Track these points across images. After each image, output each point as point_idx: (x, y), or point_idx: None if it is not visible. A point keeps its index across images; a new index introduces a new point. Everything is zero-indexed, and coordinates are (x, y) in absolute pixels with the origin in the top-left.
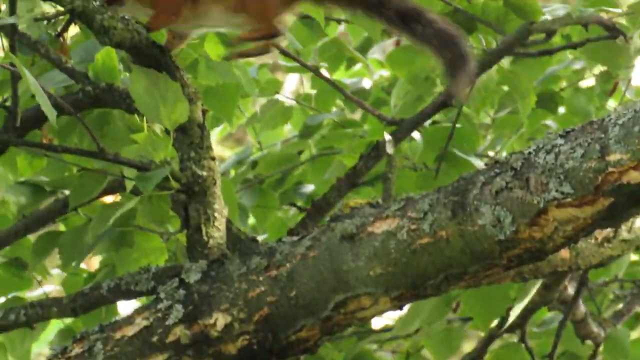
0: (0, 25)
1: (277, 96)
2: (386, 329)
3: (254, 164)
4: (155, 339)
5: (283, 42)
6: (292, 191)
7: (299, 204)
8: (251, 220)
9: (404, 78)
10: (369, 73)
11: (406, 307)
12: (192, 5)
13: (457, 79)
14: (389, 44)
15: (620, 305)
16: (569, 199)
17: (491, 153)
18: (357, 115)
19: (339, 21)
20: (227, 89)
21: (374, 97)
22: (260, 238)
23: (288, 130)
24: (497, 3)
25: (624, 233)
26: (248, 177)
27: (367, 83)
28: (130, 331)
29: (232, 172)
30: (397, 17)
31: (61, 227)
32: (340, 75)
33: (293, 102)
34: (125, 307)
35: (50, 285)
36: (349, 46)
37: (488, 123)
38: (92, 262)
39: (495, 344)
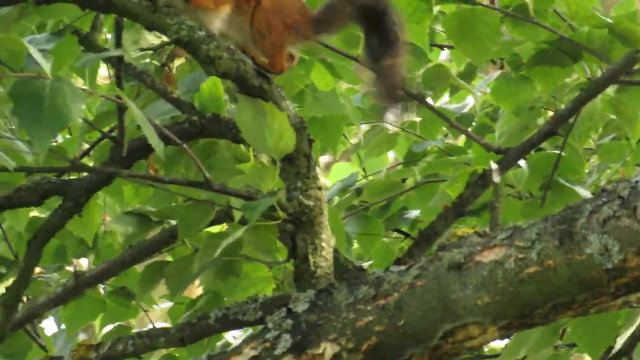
0: (106, 57)
1: (381, 123)
2: (493, 355)
3: (359, 191)
4: None
5: None
6: (397, 216)
7: (404, 229)
8: (356, 246)
9: (508, 110)
10: (474, 98)
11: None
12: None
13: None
14: (493, 75)
15: None
16: None
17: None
18: (462, 138)
19: (442, 47)
20: (333, 119)
21: (478, 122)
22: (365, 264)
23: (393, 156)
24: (602, 31)
25: None
26: (353, 205)
27: (470, 104)
28: None
29: (337, 199)
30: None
31: (168, 257)
32: (444, 100)
33: (397, 129)
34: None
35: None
36: (452, 72)
37: (592, 149)
38: (194, 290)
39: None
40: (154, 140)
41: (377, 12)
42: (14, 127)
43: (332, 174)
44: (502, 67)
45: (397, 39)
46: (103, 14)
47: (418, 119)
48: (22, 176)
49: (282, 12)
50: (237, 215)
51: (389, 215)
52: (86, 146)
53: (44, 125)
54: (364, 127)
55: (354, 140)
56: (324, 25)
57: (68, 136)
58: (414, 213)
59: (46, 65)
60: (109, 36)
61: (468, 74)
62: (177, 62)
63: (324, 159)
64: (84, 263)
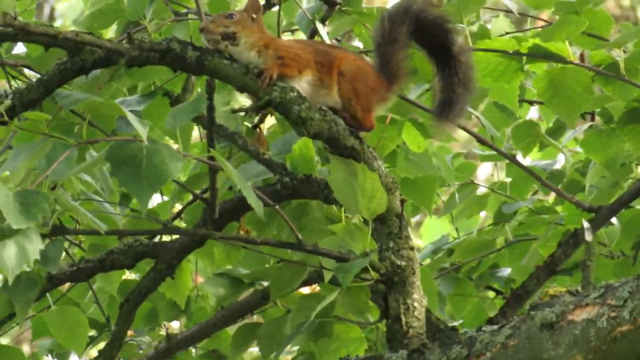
0: (198, 118)
1: (471, 180)
2: None
3: (450, 252)
4: None
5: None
6: (488, 274)
7: (496, 287)
8: (448, 306)
9: (598, 162)
10: (564, 156)
11: None
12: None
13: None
14: (582, 128)
15: None
16: None
17: None
18: (552, 194)
19: (531, 102)
20: (425, 178)
21: (568, 179)
22: (457, 323)
23: (483, 214)
24: None
25: None
26: (444, 266)
27: (561, 161)
28: None
29: (428, 260)
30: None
31: (260, 319)
32: (534, 157)
33: (488, 190)
34: None
35: None
36: (542, 128)
37: None
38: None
39: None
40: (252, 200)
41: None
42: (104, 189)
43: (423, 230)
44: (592, 119)
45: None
46: (194, 76)
47: (508, 180)
48: (114, 239)
49: (364, 77)
50: (328, 275)
51: (480, 272)
52: (178, 208)
53: (144, 184)
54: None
55: (444, 197)
56: (391, 75)
57: (162, 199)
58: (505, 271)
59: (142, 129)
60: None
61: (557, 130)
62: (268, 122)
63: (415, 218)
64: (175, 325)
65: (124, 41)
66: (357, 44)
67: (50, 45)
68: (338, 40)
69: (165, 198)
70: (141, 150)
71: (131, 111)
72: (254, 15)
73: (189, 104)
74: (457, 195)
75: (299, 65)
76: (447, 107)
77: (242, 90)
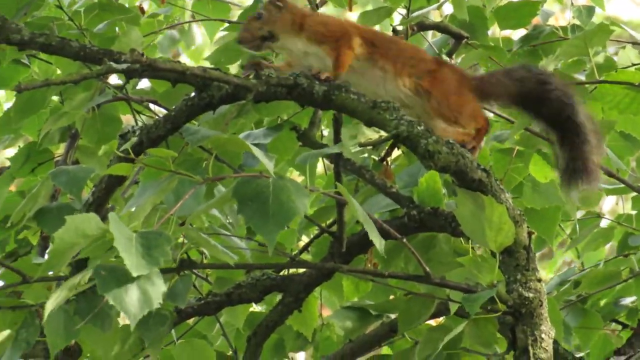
0: (326, 153)
1: (596, 212)
2: None
3: (577, 284)
4: None
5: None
6: (613, 305)
7: (622, 319)
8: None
9: None
10: None
11: None
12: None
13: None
14: None
15: None
16: None
17: None
18: None
19: None
20: (548, 210)
21: None
22: (582, 354)
23: (609, 246)
24: None
25: None
26: (571, 297)
27: None
28: None
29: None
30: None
31: (387, 351)
32: None
33: (614, 223)
34: None
35: None
36: None
37: None
38: None
39: None
40: (375, 236)
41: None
42: (230, 223)
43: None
44: None
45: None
46: (321, 110)
47: (633, 212)
48: (241, 273)
49: (450, 91)
50: (455, 307)
51: (605, 302)
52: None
53: (270, 221)
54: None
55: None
56: (485, 95)
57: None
58: (628, 300)
59: (269, 165)
60: (324, 132)
61: None
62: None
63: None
64: (301, 357)
65: (251, 77)
66: None
67: (177, 82)
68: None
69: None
70: (268, 186)
71: (257, 144)
72: (280, 3)
73: (325, 150)
74: (577, 226)
75: (345, 38)
76: (583, 173)
77: (369, 124)
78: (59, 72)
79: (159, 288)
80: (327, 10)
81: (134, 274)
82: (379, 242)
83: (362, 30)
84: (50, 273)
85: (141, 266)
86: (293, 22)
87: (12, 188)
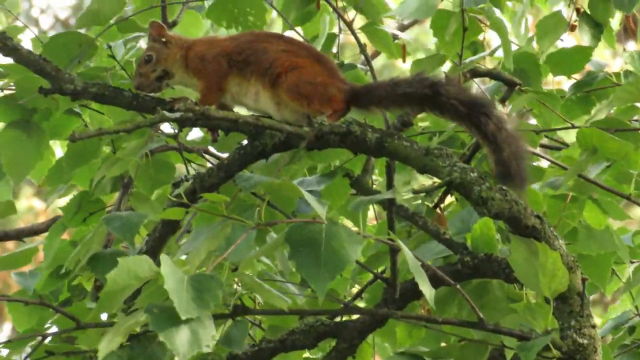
0: (379, 200)
1: None
2: None
3: (632, 330)
4: None
5: None
6: None
7: None
8: None
9: None
10: None
11: None
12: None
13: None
14: None
15: None
16: None
17: None
18: None
19: None
20: (601, 256)
21: None
22: None
23: None
24: None
25: None
26: (626, 343)
27: None
28: None
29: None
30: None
31: None
32: None
33: None
34: None
35: None
36: None
37: None
38: None
39: None
40: (425, 285)
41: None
42: (284, 270)
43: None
44: None
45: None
46: (374, 157)
47: None
48: (294, 319)
49: (306, 78)
50: (510, 354)
51: None
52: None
53: (322, 269)
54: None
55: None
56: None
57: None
58: None
59: (322, 210)
60: (377, 179)
61: None
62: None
63: (593, 295)
64: None
65: (304, 125)
66: (533, 121)
67: (230, 130)
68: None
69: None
70: (320, 232)
71: (310, 191)
72: (163, 39)
73: (377, 196)
74: (635, 275)
75: (217, 80)
76: (508, 179)
77: (422, 171)
78: (110, 121)
79: (209, 331)
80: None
81: (183, 317)
82: (428, 292)
83: (235, 50)
84: (104, 318)
85: (191, 308)
86: (181, 56)
87: (66, 235)
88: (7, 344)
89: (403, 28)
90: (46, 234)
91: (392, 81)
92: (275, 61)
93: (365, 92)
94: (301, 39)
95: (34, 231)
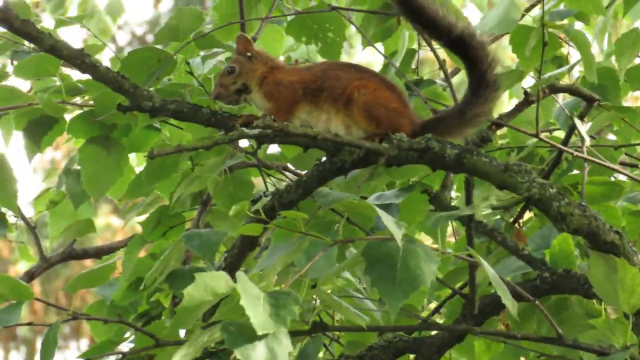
0: (458, 215)
1: None
2: None
3: None
4: None
5: None
6: None
7: None
8: None
9: None
10: None
11: None
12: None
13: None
14: None
15: None
16: None
17: None
18: None
19: None
20: None
21: None
22: None
23: None
24: None
25: None
26: None
27: None
28: None
29: None
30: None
31: None
32: None
33: None
34: None
35: None
36: None
37: None
38: None
39: None
40: (507, 299)
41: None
42: (364, 286)
43: None
44: None
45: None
46: (453, 174)
47: None
48: (373, 335)
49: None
50: None
51: None
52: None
53: (396, 287)
54: None
55: None
56: None
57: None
58: None
59: (397, 232)
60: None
61: None
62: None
63: None
64: None
65: (383, 141)
66: (611, 137)
67: (309, 146)
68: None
69: None
70: (397, 250)
71: (389, 205)
72: (249, 53)
73: (456, 212)
74: None
75: (288, 105)
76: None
77: (501, 187)
78: (189, 136)
79: (285, 348)
80: None
81: (259, 332)
82: (511, 305)
83: (311, 79)
84: (182, 335)
85: (268, 325)
86: (261, 74)
87: (143, 252)
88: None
89: None
90: (124, 248)
91: (459, 109)
92: (349, 86)
93: (435, 124)
94: (380, 55)
95: (112, 249)
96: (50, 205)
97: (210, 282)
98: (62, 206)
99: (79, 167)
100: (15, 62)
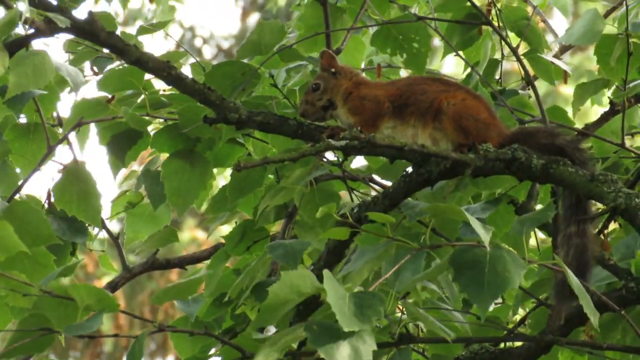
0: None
1: None
2: None
3: None
4: None
5: None
6: None
7: None
8: None
9: None
10: None
11: None
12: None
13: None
14: None
15: None
16: None
17: None
18: None
19: None
20: None
21: None
22: None
23: None
24: None
25: None
26: None
27: None
28: None
29: None
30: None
31: None
32: None
33: None
34: None
35: None
36: None
37: None
38: None
39: None
40: (589, 309)
41: None
42: (448, 297)
43: None
44: None
45: None
46: (539, 184)
47: None
48: (459, 347)
49: (471, 113)
50: None
51: None
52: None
53: (485, 290)
54: None
55: None
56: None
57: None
58: None
59: (485, 236)
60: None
61: None
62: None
63: None
64: None
65: (469, 152)
66: None
67: (395, 158)
68: None
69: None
70: (485, 255)
71: (475, 218)
72: (333, 69)
73: (538, 213)
74: None
75: (373, 119)
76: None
77: (587, 196)
78: (274, 150)
79: (369, 347)
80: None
81: (345, 329)
82: (593, 316)
83: (396, 94)
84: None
85: (353, 323)
86: (345, 90)
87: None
88: None
89: (563, 50)
90: (208, 261)
91: (550, 131)
92: (436, 98)
93: (525, 138)
94: (461, 68)
95: (195, 259)
96: (128, 206)
97: (296, 281)
98: (140, 208)
99: (158, 169)
100: (95, 69)
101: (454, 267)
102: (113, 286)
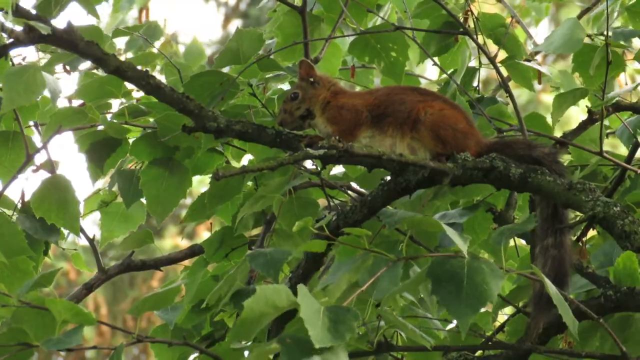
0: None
1: None
2: None
3: None
4: None
5: None
6: None
7: None
8: None
9: None
10: None
11: None
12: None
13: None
14: None
15: None
16: None
17: None
18: None
19: None
20: None
21: None
22: None
23: None
24: None
25: None
26: None
27: None
28: None
29: None
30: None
31: None
32: None
33: None
34: None
35: None
36: None
37: None
38: None
39: None
40: (568, 317)
41: None
42: (428, 303)
43: None
44: None
45: None
46: (517, 192)
47: None
48: (438, 355)
49: (449, 123)
50: None
51: None
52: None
53: (463, 304)
54: None
55: None
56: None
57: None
58: None
59: (463, 245)
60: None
61: None
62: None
63: None
64: None
65: (447, 161)
66: None
67: (374, 167)
68: None
69: None
70: (462, 267)
71: (453, 224)
72: (311, 79)
73: (518, 225)
74: None
75: (350, 128)
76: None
77: (565, 206)
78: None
79: None
80: None
81: (316, 346)
82: (572, 324)
83: (374, 104)
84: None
85: (325, 339)
86: (323, 99)
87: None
88: None
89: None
90: (186, 262)
91: (529, 143)
92: (414, 108)
93: (502, 148)
94: (441, 72)
95: (171, 260)
96: (102, 205)
97: (271, 296)
98: (113, 207)
99: (131, 167)
100: (68, 67)
101: (432, 279)
102: (89, 287)
